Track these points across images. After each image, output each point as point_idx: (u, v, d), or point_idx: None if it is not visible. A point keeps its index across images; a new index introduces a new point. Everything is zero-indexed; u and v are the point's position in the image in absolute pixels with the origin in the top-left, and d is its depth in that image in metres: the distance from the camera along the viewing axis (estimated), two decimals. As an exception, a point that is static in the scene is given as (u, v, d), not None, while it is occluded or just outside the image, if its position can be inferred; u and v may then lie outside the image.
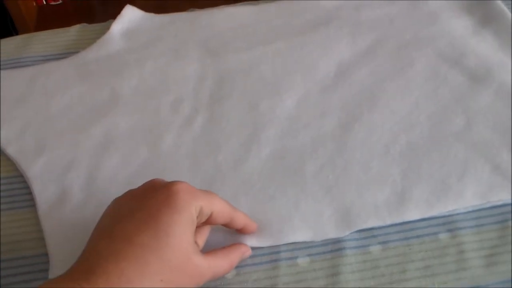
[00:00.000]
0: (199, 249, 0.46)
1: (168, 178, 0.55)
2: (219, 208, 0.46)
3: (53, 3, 1.58)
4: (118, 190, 0.54)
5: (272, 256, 0.52)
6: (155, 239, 0.41)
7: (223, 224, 0.49)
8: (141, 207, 0.43)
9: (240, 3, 0.75)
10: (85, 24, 0.75)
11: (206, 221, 0.46)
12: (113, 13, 0.73)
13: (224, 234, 0.52)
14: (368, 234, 0.53)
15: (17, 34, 1.32)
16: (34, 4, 1.55)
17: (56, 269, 0.50)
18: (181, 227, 0.42)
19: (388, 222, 0.53)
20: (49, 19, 1.48)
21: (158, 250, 0.41)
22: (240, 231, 0.51)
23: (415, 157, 0.57)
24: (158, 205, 0.42)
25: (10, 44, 0.72)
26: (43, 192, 0.56)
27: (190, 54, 0.68)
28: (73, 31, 0.73)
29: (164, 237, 0.41)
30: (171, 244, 0.41)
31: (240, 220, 0.49)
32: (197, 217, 0.44)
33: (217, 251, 0.48)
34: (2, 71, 0.68)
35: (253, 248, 0.52)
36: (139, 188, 0.46)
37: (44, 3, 1.58)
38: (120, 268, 0.39)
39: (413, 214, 0.54)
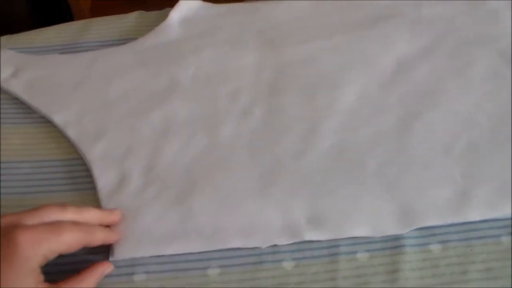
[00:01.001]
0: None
1: (226, 169, 0.55)
2: (68, 243, 0.45)
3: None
4: (177, 178, 0.55)
5: (331, 249, 0.52)
6: None
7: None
8: None
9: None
10: (142, 11, 0.75)
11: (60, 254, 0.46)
12: (166, 1, 0.74)
13: None
14: (428, 232, 0.52)
15: (72, 20, 1.34)
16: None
17: (116, 252, 0.51)
18: (21, 281, 0.42)
19: (449, 221, 0.53)
20: (104, 6, 1.49)
21: None
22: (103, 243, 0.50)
23: (476, 157, 0.57)
24: None
25: (69, 29, 0.73)
26: (103, 176, 0.56)
27: (248, 44, 0.68)
28: (131, 18, 0.74)
29: None
30: None
31: (98, 238, 0.49)
32: (43, 260, 0.44)
33: (69, 280, 0.47)
34: (61, 56, 0.68)
35: (312, 241, 0.52)
36: None
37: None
38: None
39: (474, 214, 0.53)
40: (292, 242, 0.52)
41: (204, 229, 0.52)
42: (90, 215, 0.50)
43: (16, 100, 0.64)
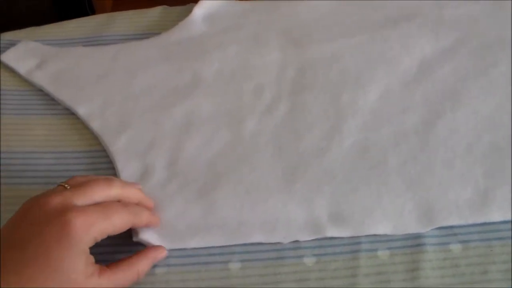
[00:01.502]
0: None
1: (250, 164, 0.56)
2: (117, 225, 0.46)
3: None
4: (200, 172, 0.56)
5: (352, 246, 0.52)
6: (43, 274, 0.41)
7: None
8: (34, 241, 0.43)
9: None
10: (166, 6, 0.76)
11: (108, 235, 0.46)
12: (187, 0, 0.74)
13: None
14: (449, 232, 0.53)
15: (93, 13, 1.35)
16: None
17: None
18: (70, 262, 0.42)
19: (470, 221, 0.53)
20: (126, 2, 1.50)
21: (44, 284, 0.41)
22: (146, 226, 0.51)
23: (498, 158, 0.57)
24: (50, 240, 0.42)
25: (93, 22, 0.74)
26: (126, 168, 0.57)
27: (272, 42, 0.68)
28: (155, 13, 0.74)
29: (52, 273, 0.42)
30: (57, 279, 0.42)
31: (143, 220, 0.49)
32: (93, 242, 0.45)
33: (121, 262, 0.47)
34: (85, 48, 0.69)
35: (333, 238, 0.52)
36: (41, 210, 0.45)
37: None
38: None
39: (495, 215, 0.53)
40: (314, 238, 0.52)
41: (227, 223, 0.53)
42: (133, 193, 0.51)
43: (40, 92, 0.65)
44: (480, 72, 0.64)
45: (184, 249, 0.52)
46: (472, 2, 0.71)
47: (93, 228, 0.44)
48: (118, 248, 0.52)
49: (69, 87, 0.64)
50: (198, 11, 0.71)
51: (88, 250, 0.44)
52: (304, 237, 0.52)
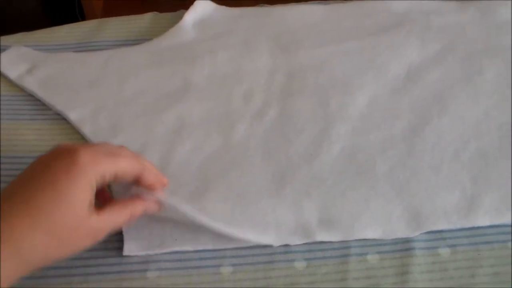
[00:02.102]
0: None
1: (240, 168, 0.56)
2: (123, 169, 0.47)
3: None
4: (190, 177, 0.56)
5: (342, 251, 0.52)
6: (49, 203, 0.42)
7: (132, 181, 0.49)
8: (43, 173, 0.44)
9: (311, 2, 0.76)
10: (156, 12, 0.76)
11: (115, 178, 0.47)
12: (176, 6, 0.75)
13: None
14: (437, 236, 0.53)
15: (84, 19, 1.35)
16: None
17: (129, 249, 0.52)
18: (76, 193, 0.43)
19: (458, 226, 0.54)
20: (116, 6, 1.51)
21: (51, 213, 0.42)
22: (151, 187, 0.50)
23: (485, 164, 0.58)
24: (58, 172, 0.43)
25: (84, 27, 0.74)
26: None
27: (262, 47, 0.68)
28: (146, 19, 0.75)
29: (58, 202, 0.43)
30: (63, 209, 0.43)
31: (149, 177, 0.49)
32: (100, 180, 0.45)
33: (115, 203, 0.48)
34: (76, 54, 0.69)
35: (323, 242, 0.53)
36: (49, 151, 0.46)
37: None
38: (12, 225, 0.41)
39: (482, 220, 0.54)
40: (304, 242, 0.53)
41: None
42: (148, 162, 0.50)
43: (31, 97, 0.65)
44: (466, 79, 0.65)
45: (176, 252, 0.52)
46: (459, 9, 0.72)
47: (99, 163, 0.45)
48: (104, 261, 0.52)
49: (60, 92, 0.64)
50: (189, 17, 0.72)
51: (94, 187, 0.45)
52: (294, 241, 0.53)
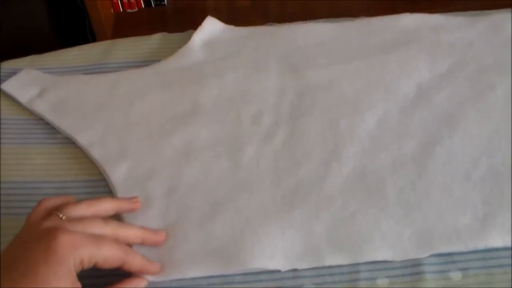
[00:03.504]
0: None
1: (249, 191, 0.56)
2: (106, 256, 0.46)
3: (129, 10, 1.63)
4: (199, 200, 0.56)
5: (351, 275, 0.52)
6: None
7: (115, 268, 0.48)
8: (23, 258, 0.44)
9: (318, 20, 0.76)
10: (165, 33, 0.77)
11: (96, 265, 0.47)
12: (186, 22, 0.75)
13: None
14: (448, 259, 0.53)
15: (94, 40, 1.37)
16: (112, 11, 1.60)
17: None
18: (57, 279, 0.43)
19: (470, 247, 0.53)
20: (125, 26, 1.53)
21: None
22: (139, 273, 0.50)
23: (497, 183, 0.57)
24: (38, 259, 0.44)
25: (93, 50, 0.74)
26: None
27: (270, 67, 0.68)
28: (155, 40, 0.75)
29: None
30: None
31: (135, 263, 0.49)
32: (79, 266, 0.45)
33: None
34: (84, 76, 0.70)
35: (332, 267, 0.52)
36: (30, 222, 0.48)
37: (121, 10, 1.63)
38: None
39: (495, 241, 0.53)
40: (313, 267, 0.52)
41: (226, 251, 0.53)
42: (132, 232, 0.51)
43: (41, 120, 0.66)
44: (476, 96, 0.64)
45: (185, 279, 0.52)
46: (468, 25, 0.72)
47: (80, 249, 0.45)
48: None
49: (70, 115, 0.65)
50: (197, 37, 0.72)
51: (74, 272, 0.45)
52: (303, 265, 0.52)
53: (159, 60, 0.71)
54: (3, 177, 0.60)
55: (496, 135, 0.61)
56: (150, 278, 0.51)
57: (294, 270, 0.52)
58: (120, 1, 1.61)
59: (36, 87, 0.68)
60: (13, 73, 0.70)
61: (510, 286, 0.50)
